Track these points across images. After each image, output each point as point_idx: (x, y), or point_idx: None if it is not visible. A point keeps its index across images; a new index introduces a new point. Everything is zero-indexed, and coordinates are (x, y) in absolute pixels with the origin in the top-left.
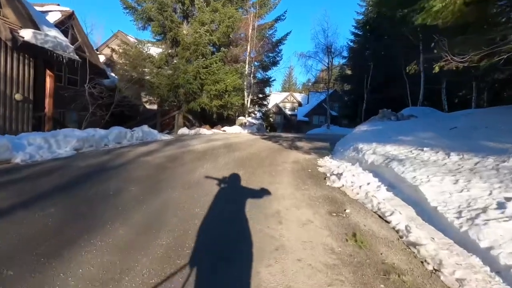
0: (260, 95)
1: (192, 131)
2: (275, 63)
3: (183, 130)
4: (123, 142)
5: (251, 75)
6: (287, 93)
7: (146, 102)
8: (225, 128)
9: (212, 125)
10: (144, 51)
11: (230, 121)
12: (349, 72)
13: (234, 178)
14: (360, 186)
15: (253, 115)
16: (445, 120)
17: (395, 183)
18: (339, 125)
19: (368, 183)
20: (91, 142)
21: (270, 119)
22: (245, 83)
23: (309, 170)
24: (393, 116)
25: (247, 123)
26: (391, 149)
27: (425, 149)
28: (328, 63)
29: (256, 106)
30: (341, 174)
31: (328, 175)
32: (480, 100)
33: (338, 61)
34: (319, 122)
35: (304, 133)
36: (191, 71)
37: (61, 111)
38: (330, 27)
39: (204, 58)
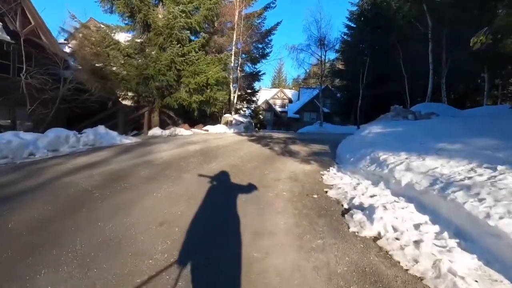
0: (249, 91)
1: (167, 132)
2: (264, 56)
3: (155, 131)
4: (62, 150)
5: (238, 68)
6: (277, 89)
7: (121, 98)
8: (208, 127)
9: (193, 124)
10: (109, 36)
11: (216, 119)
12: (341, 67)
13: (194, 227)
14: (416, 243)
15: (242, 111)
16: (478, 119)
17: (469, 230)
18: (331, 122)
19: (420, 229)
20: (4, 151)
21: (260, 116)
22: (231, 76)
23: (315, 196)
24: (410, 114)
25: (234, 122)
26: (437, 165)
27: (499, 167)
28: (321, 57)
29: (244, 102)
30: (370, 208)
31: (345, 205)
32: (480, 97)
33: (331, 55)
34: (311, 119)
35: (295, 131)
36: (164, 59)
37: None
38: (323, 18)
39: (180, 45)
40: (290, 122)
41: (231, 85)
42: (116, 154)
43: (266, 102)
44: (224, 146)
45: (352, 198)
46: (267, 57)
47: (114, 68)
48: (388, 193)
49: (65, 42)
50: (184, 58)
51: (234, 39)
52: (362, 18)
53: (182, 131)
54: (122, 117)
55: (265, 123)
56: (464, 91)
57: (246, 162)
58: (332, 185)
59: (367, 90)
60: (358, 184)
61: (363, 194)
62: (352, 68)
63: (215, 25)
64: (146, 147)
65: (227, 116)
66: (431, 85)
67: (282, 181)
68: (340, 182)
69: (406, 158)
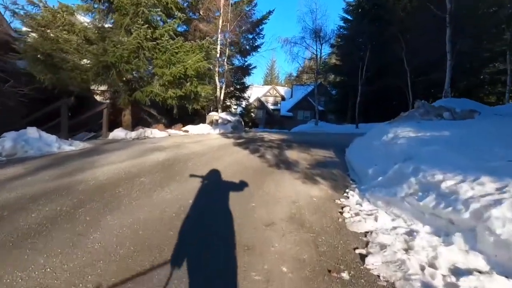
0: (238, 86)
1: (133, 134)
2: (255, 48)
3: (118, 133)
4: None
5: (225, 60)
6: (269, 87)
7: (98, 94)
8: (189, 127)
9: (171, 124)
10: (60, 15)
11: (203, 118)
12: (337, 62)
13: None
14: None
15: (233, 109)
16: None
17: None
18: (326, 121)
19: None
20: None
21: (252, 114)
22: (216, 69)
23: (345, 276)
24: (445, 111)
25: (220, 121)
26: None
27: None
28: (316, 50)
29: (234, 99)
30: None
31: None
32: (489, 94)
33: (327, 49)
34: (304, 117)
35: (289, 130)
36: (129, 44)
37: None
38: (319, 8)
39: (149, 27)
40: (283, 120)
41: (217, 80)
42: (29, 172)
43: (258, 99)
44: (201, 153)
45: (420, 281)
46: (259, 49)
47: (70, 56)
48: (483, 263)
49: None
50: (155, 43)
51: (220, 26)
52: (360, 10)
53: (155, 132)
54: (63, 116)
55: (257, 122)
56: (466, 87)
57: (223, 184)
58: (364, 234)
59: (366, 85)
60: (411, 234)
61: (434, 267)
62: (349, 62)
63: (200, 13)
64: (89, 158)
65: (212, 115)
66: (449, 78)
67: (278, 227)
68: (377, 228)
69: (501, 190)
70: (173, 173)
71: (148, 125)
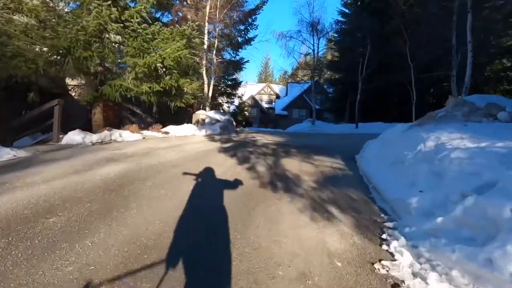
0: (230, 82)
1: (94, 137)
2: (248, 41)
3: (73, 136)
4: None
5: (214, 52)
6: (263, 84)
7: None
8: (169, 128)
9: (148, 125)
10: None
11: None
12: (335, 58)
13: None
14: None
15: (226, 107)
16: None
17: None
18: (322, 120)
19: None
20: None
21: (245, 112)
22: (203, 61)
23: None
24: (499, 110)
25: (207, 120)
26: None
27: None
28: (313, 45)
29: (225, 96)
30: None
31: None
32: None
33: (324, 43)
34: (299, 116)
35: (284, 129)
36: (87, 27)
37: None
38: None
39: (115, 6)
40: (278, 119)
41: (204, 74)
42: None
43: (252, 97)
44: (172, 165)
45: None
46: (252, 42)
47: (14, 41)
48: None
49: None
50: (123, 25)
51: (207, 13)
52: (359, 3)
53: (126, 135)
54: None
55: (251, 120)
56: (472, 85)
57: (183, 229)
58: None
59: (366, 83)
60: None
61: None
62: (348, 58)
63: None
64: (7, 174)
65: (199, 114)
66: (470, 71)
67: None
68: None
69: None
70: (116, 202)
71: (133, 125)
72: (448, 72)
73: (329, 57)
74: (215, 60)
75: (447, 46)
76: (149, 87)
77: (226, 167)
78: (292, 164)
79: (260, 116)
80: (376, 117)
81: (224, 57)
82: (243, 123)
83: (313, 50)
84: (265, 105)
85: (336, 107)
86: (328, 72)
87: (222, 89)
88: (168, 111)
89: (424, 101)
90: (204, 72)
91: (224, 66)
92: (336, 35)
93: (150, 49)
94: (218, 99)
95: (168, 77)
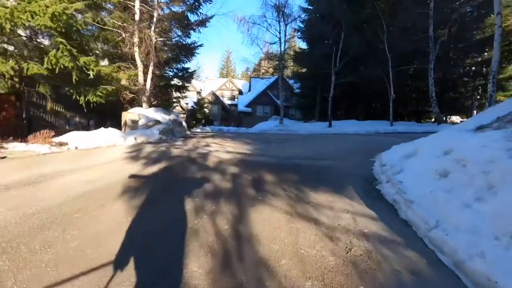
0: (180, 73)
1: None
2: (203, 22)
3: None
4: None
5: (153, 27)
6: (225, 79)
7: None
8: (71, 136)
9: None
10: None
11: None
12: (302, 49)
13: None
14: None
15: (184, 104)
16: None
17: None
18: (288, 117)
19: None
20: None
21: (205, 109)
22: (135, 39)
23: None
24: None
25: (141, 122)
26: None
27: None
28: (279, 32)
29: (173, 90)
30: None
31: None
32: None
33: (291, 31)
34: (264, 113)
35: (248, 128)
36: None
37: None
38: None
39: None
40: (241, 116)
41: (137, 57)
42: None
43: (213, 93)
44: None
45: None
46: (207, 25)
47: None
48: None
49: None
50: None
51: None
52: None
53: None
54: None
55: (211, 118)
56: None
57: None
58: None
59: (339, 77)
60: None
61: None
62: (318, 49)
63: None
64: None
65: (128, 113)
66: (498, 54)
67: None
68: None
69: None
70: None
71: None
72: (425, 65)
73: (296, 49)
74: (154, 39)
75: (427, 33)
76: (13, 68)
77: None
78: (278, 237)
79: (221, 114)
80: (348, 114)
81: (172, 37)
82: (203, 121)
83: (279, 39)
84: (227, 102)
85: (304, 104)
86: (295, 66)
87: (166, 79)
88: (107, 110)
89: (402, 97)
90: (137, 55)
91: (173, 50)
92: (302, 26)
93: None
94: (168, 94)
95: (54, 52)
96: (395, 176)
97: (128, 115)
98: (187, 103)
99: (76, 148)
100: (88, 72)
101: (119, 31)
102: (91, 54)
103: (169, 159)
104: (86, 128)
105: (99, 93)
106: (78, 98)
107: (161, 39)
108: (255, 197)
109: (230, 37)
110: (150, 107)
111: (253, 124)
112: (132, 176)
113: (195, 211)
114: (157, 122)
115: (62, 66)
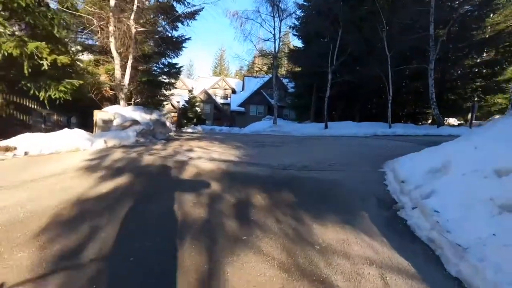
0: (166, 69)
1: None
2: (192, 15)
3: None
4: None
5: (132, 15)
6: (218, 78)
7: None
8: (22, 139)
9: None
10: None
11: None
12: (297, 48)
13: None
14: None
15: (176, 103)
16: None
17: None
18: (282, 117)
19: None
20: None
21: (197, 108)
22: (111, 28)
23: None
24: None
25: (116, 122)
26: None
27: None
28: (274, 29)
29: (158, 87)
30: None
31: None
32: None
33: (286, 28)
34: (257, 113)
35: (241, 128)
36: None
37: None
38: None
39: None
40: (234, 116)
41: (113, 47)
42: None
43: (205, 92)
44: None
45: None
46: (196, 17)
47: None
48: None
49: None
50: None
51: None
52: None
53: None
54: None
55: (203, 117)
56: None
57: None
58: None
59: (336, 76)
60: None
61: None
62: (315, 47)
63: None
64: None
65: (101, 112)
66: None
67: None
68: None
69: None
70: None
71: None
72: (425, 65)
73: (291, 46)
74: (133, 29)
75: (425, 35)
76: None
77: None
78: None
79: (214, 113)
80: (343, 115)
81: (159, 32)
82: (194, 120)
83: (274, 35)
84: (219, 101)
85: (299, 104)
86: (289, 65)
87: (150, 73)
88: (91, 107)
89: (399, 98)
90: (112, 46)
91: (158, 44)
92: (298, 24)
93: None
94: (155, 91)
95: None
96: (425, 201)
97: (99, 114)
98: (178, 102)
99: (26, 153)
100: (41, 62)
101: (92, 18)
102: (59, 45)
103: (136, 170)
104: (67, 127)
105: (63, 88)
106: (37, 93)
107: (142, 29)
108: (236, 236)
109: (224, 35)
110: (132, 105)
111: (246, 124)
112: (74, 200)
113: (136, 275)
114: (135, 122)
115: (5, 54)
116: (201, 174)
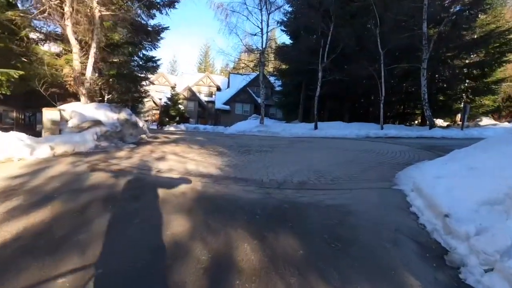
0: (141, 62)
1: None
2: (172, 3)
3: None
4: None
5: None
6: (202, 74)
7: None
8: None
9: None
10: None
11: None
12: (285, 46)
13: None
14: None
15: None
16: None
17: None
18: (269, 117)
19: None
20: None
21: (180, 106)
22: (66, 8)
23: None
24: None
25: (71, 123)
26: None
27: None
28: (261, 22)
29: (127, 82)
30: None
31: None
32: None
33: (274, 22)
34: (243, 111)
35: (226, 127)
36: None
37: None
38: None
39: None
40: (219, 114)
41: (70, 32)
42: None
43: (189, 89)
44: None
45: None
46: (176, 4)
47: None
48: None
49: None
50: None
51: None
52: None
53: None
54: None
55: (187, 116)
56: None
57: None
58: None
59: (327, 74)
60: None
61: None
62: (304, 43)
63: None
64: None
65: (49, 110)
66: None
67: None
68: None
69: None
70: None
71: None
72: (418, 65)
73: (278, 42)
74: (97, 12)
75: (418, 33)
76: None
77: None
78: None
79: (198, 111)
80: (332, 115)
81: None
82: (177, 118)
83: (261, 29)
84: (204, 98)
85: (286, 102)
86: (276, 62)
87: (120, 64)
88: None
89: (387, 98)
90: (69, 30)
91: (130, 31)
92: (286, 19)
93: None
94: (130, 87)
95: None
96: (507, 261)
97: (47, 114)
98: (160, 99)
99: None
100: None
101: None
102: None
103: (71, 196)
104: (29, 125)
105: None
106: None
107: (108, 13)
108: None
109: (209, 30)
110: (105, 102)
111: (232, 123)
112: None
113: None
114: (97, 123)
115: None
116: (165, 202)
